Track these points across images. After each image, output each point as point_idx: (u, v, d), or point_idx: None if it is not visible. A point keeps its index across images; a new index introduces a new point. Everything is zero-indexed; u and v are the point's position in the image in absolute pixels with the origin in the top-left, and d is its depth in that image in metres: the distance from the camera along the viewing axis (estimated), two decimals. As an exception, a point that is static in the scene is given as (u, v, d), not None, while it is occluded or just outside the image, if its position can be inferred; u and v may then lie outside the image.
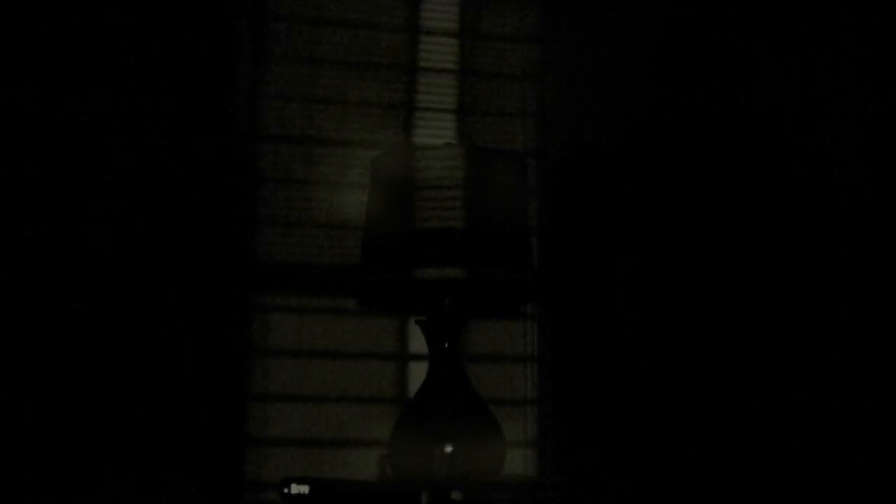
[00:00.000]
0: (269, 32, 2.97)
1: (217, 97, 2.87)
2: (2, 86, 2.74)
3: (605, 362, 3.03)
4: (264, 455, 2.86)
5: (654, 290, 3.07)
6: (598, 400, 3.02)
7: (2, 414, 2.65)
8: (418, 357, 2.95)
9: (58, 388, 2.70)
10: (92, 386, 2.72)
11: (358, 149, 3.00)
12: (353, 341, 2.95)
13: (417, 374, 2.93)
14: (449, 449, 2.53)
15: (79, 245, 2.75)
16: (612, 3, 3.15)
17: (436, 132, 3.06)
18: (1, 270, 2.69)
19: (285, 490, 2.41)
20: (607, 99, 3.12)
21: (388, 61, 3.06)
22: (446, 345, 2.63)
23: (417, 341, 2.84)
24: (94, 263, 2.75)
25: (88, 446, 2.69)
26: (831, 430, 3.09)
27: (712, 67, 3.18)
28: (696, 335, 3.07)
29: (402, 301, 2.85)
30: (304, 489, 2.41)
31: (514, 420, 3.00)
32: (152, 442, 2.72)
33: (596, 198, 3.08)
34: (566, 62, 3.11)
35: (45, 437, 2.67)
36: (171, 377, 2.76)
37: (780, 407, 3.09)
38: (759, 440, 3.06)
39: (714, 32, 3.19)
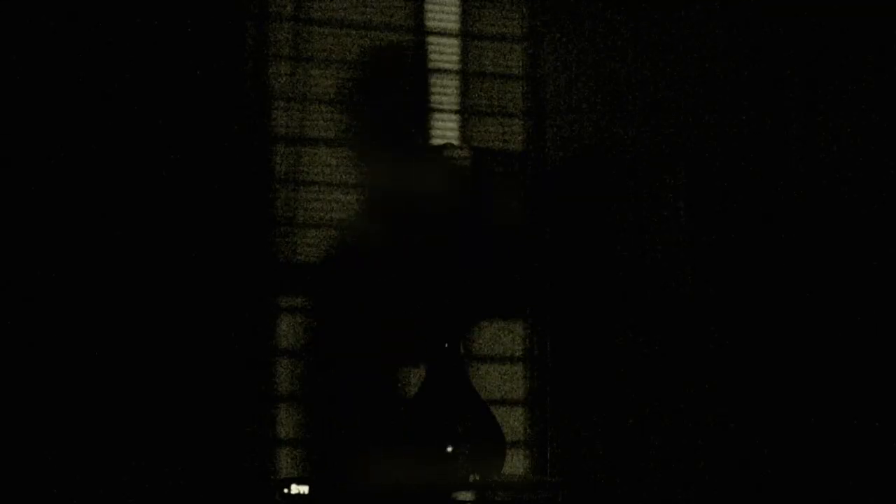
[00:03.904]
0: (272, 33, 2.98)
1: (229, 98, 2.87)
2: (21, 90, 2.74)
3: (605, 362, 3.03)
4: (280, 454, 2.86)
5: (655, 289, 3.07)
6: (597, 400, 3.02)
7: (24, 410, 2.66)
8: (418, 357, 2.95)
9: (75, 387, 2.70)
10: (106, 386, 2.72)
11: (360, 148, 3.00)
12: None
13: (417, 374, 2.93)
14: (449, 449, 2.53)
15: (95, 247, 2.75)
16: (611, 3, 3.15)
17: (436, 132, 3.06)
18: (32, 271, 2.70)
19: (285, 490, 2.41)
20: (607, 99, 3.12)
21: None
22: (446, 345, 2.63)
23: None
24: (107, 264, 2.75)
25: (105, 443, 2.70)
26: (832, 431, 3.09)
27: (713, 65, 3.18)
28: (695, 334, 3.07)
29: (402, 300, 2.85)
30: (304, 489, 2.41)
31: (514, 420, 3.00)
32: (170, 440, 2.72)
33: (595, 198, 3.08)
34: (566, 62, 3.11)
35: (63, 434, 2.68)
36: (190, 377, 2.76)
37: (782, 405, 3.08)
38: (759, 439, 3.06)
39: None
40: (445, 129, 3.06)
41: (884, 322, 3.15)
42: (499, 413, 2.69)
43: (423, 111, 3.06)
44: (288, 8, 3.00)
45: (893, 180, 3.21)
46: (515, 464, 2.98)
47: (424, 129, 3.06)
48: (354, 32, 3.03)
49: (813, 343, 3.12)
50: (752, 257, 3.13)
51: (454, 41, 3.10)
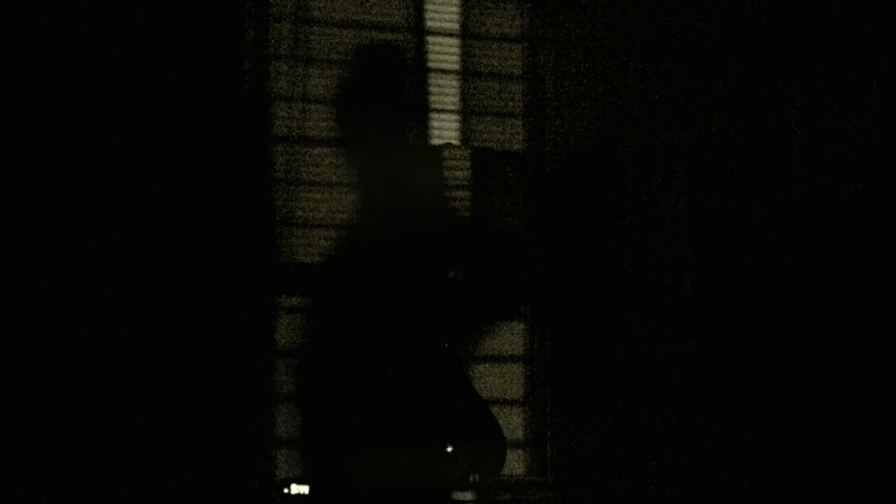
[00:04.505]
0: (272, 33, 2.98)
1: (229, 99, 2.87)
2: (23, 90, 2.74)
3: (605, 362, 3.03)
4: (283, 455, 2.86)
5: (655, 289, 3.07)
6: (597, 400, 3.02)
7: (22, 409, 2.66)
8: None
9: (75, 387, 2.70)
10: (110, 385, 2.72)
11: (360, 148, 3.00)
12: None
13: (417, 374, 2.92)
14: (449, 449, 2.53)
15: (95, 247, 2.75)
16: (611, 3, 3.15)
17: (436, 132, 3.06)
18: (32, 271, 2.70)
19: (285, 490, 2.41)
20: (607, 99, 3.12)
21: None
22: (446, 345, 2.63)
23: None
24: (108, 263, 2.75)
25: (105, 443, 2.70)
26: (832, 431, 3.09)
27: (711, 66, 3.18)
28: (695, 334, 3.07)
29: (402, 300, 2.85)
30: (304, 489, 2.41)
31: (514, 420, 3.00)
32: (170, 441, 2.72)
33: (595, 198, 3.08)
34: (566, 62, 3.11)
35: (63, 434, 2.68)
36: (190, 377, 2.76)
37: (781, 405, 3.09)
38: (759, 439, 3.06)
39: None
40: (445, 129, 3.07)
41: (884, 320, 3.15)
42: (499, 413, 2.70)
43: (422, 111, 3.06)
44: (288, 8, 3.00)
45: (893, 179, 3.21)
46: (515, 464, 2.99)
47: (424, 128, 3.06)
48: (355, 32, 3.03)
49: (813, 342, 3.12)
50: (751, 257, 3.13)
51: (454, 41, 3.10)
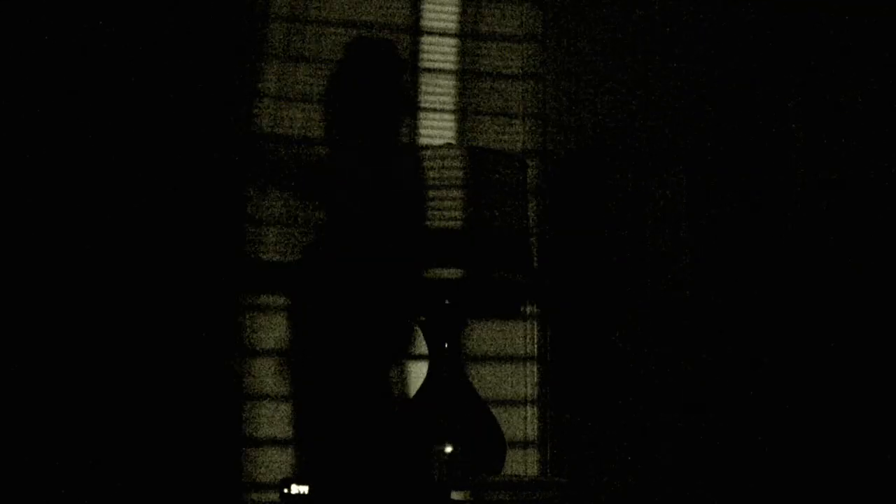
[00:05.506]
0: (268, 32, 2.98)
1: (216, 97, 2.87)
2: (4, 85, 2.74)
3: (605, 362, 3.03)
4: (260, 455, 2.86)
5: (655, 289, 3.07)
6: (597, 400, 3.02)
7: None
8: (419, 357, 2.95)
9: (51, 387, 2.70)
10: (85, 386, 2.72)
11: (359, 148, 3.00)
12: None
13: (418, 374, 2.93)
14: (449, 449, 2.53)
15: (71, 243, 2.75)
16: (611, 2, 3.16)
17: (436, 132, 3.06)
18: (8, 269, 2.70)
19: (285, 490, 2.41)
20: (607, 99, 3.12)
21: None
22: (446, 345, 2.63)
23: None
24: (84, 261, 2.75)
25: (83, 448, 2.70)
26: (834, 431, 3.09)
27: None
28: (694, 334, 3.08)
29: (402, 301, 2.85)
30: (304, 489, 2.41)
31: (514, 420, 3.00)
32: (148, 443, 2.73)
33: (595, 198, 3.09)
34: (566, 62, 3.12)
35: (38, 439, 2.67)
36: (165, 377, 2.76)
37: (781, 405, 3.09)
38: (759, 438, 3.07)
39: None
40: (445, 129, 3.07)
41: (884, 320, 3.15)
42: (498, 413, 2.70)
43: (420, 111, 3.06)
44: (285, 7, 3.00)
45: (893, 180, 3.21)
46: (516, 464, 2.99)
47: (423, 128, 3.06)
48: (354, 32, 3.04)
49: (813, 342, 3.13)
50: (751, 257, 3.13)
51: (453, 41, 3.10)
